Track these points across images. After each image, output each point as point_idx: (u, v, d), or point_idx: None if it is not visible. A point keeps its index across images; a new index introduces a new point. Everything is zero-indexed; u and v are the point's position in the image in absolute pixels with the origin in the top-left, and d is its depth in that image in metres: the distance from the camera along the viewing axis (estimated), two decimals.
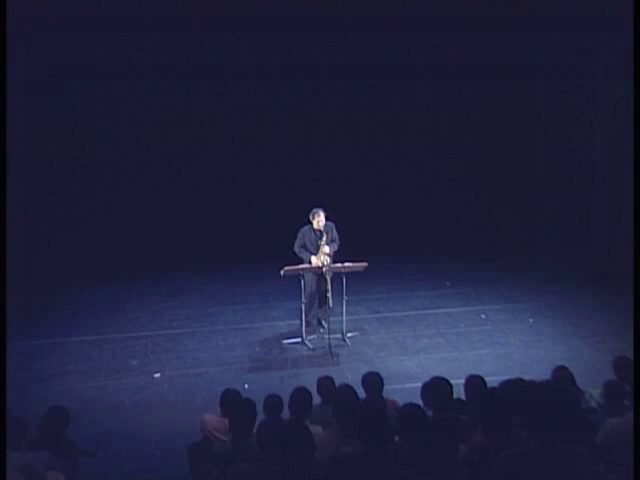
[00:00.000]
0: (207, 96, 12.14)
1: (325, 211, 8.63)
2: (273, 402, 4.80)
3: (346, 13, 11.22)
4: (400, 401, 5.07)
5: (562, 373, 5.26)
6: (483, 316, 9.44)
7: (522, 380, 4.76)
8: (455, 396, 4.96)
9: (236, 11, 10.96)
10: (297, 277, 8.36)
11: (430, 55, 12.07)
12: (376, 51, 11.98)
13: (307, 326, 8.68)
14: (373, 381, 5.27)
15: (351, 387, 4.80)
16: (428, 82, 12.43)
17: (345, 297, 8.37)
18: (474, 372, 5.12)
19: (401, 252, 11.96)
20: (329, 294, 8.55)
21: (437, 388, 4.71)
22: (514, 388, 4.58)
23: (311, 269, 8.43)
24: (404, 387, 6.61)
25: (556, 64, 11.46)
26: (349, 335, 8.62)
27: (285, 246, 8.71)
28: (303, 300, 8.48)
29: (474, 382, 4.90)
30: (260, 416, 4.57)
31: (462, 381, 4.99)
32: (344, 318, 8.50)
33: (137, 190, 12.17)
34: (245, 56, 11.77)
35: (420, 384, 4.85)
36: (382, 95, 12.57)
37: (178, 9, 10.86)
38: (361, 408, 4.13)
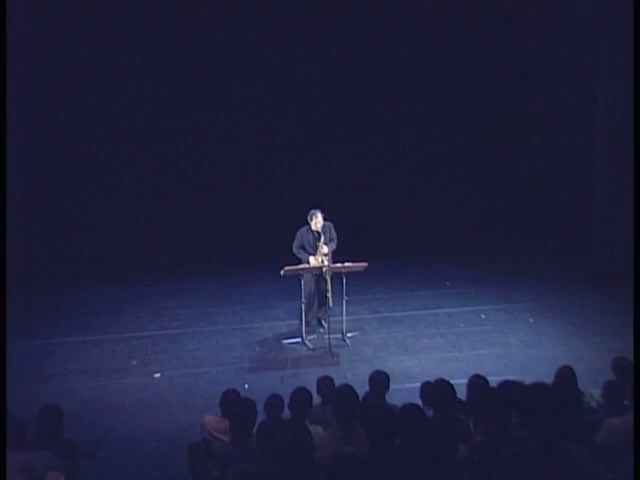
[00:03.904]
0: (208, 96, 12.14)
1: (324, 211, 8.63)
2: (273, 402, 4.79)
3: (349, 12, 11.21)
4: (400, 401, 5.06)
5: (565, 372, 5.25)
6: (483, 316, 9.44)
7: (520, 383, 4.75)
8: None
9: (237, 11, 10.96)
10: (297, 277, 8.36)
11: (429, 55, 12.04)
12: (376, 51, 11.95)
13: (307, 326, 8.68)
14: (380, 381, 5.27)
15: (351, 387, 4.79)
16: (426, 82, 12.39)
17: (345, 297, 8.36)
18: (474, 372, 5.11)
19: (401, 252, 11.96)
20: (329, 294, 8.55)
21: (437, 388, 4.71)
22: (514, 388, 4.58)
23: (311, 269, 8.44)
24: (404, 387, 6.60)
25: (556, 64, 11.44)
26: (349, 335, 8.62)
27: (285, 246, 8.71)
28: (303, 300, 8.47)
29: (476, 382, 4.90)
30: (260, 416, 4.57)
31: (462, 381, 4.99)
32: (344, 318, 8.50)
33: (137, 190, 12.18)
34: (245, 56, 11.75)
35: (420, 384, 4.84)
36: (382, 95, 12.56)
37: (179, 9, 10.86)
38: (364, 407, 4.13)
